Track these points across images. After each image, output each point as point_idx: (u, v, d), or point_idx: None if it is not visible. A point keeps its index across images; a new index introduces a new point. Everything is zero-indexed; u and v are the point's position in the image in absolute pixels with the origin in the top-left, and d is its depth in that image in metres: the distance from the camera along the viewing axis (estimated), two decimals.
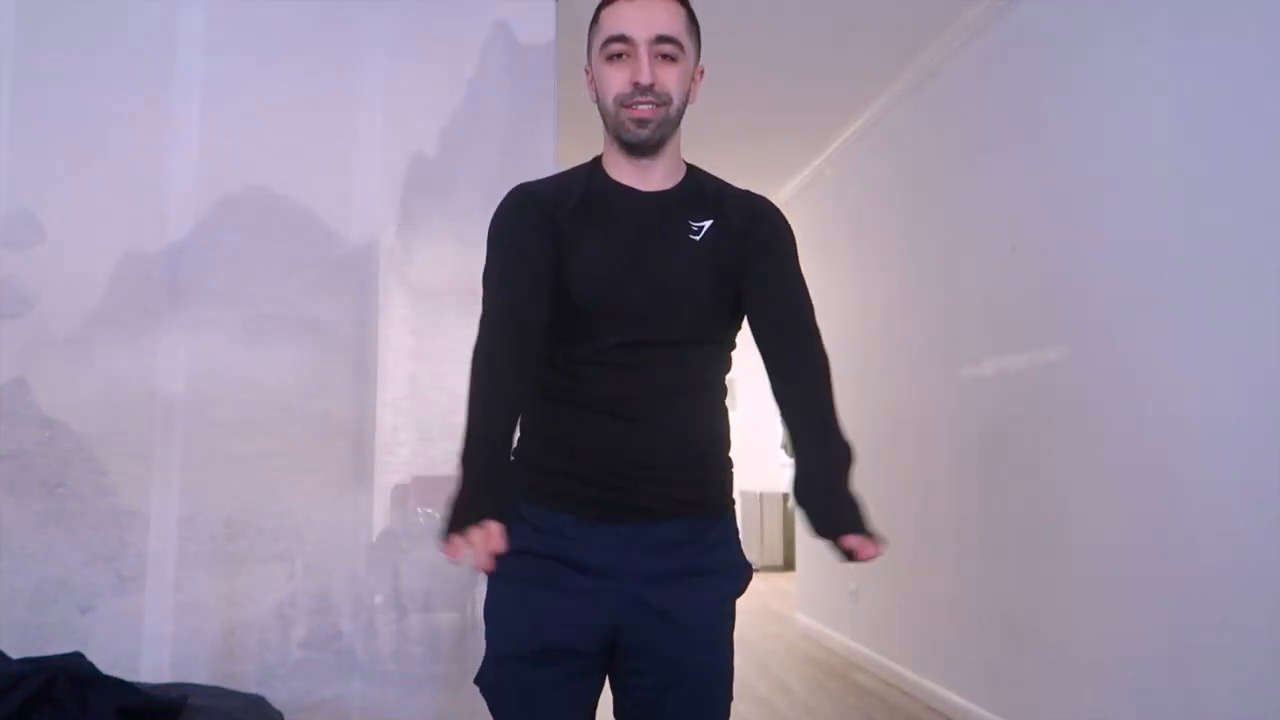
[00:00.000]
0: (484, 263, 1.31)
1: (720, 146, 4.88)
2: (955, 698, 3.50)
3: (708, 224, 1.33)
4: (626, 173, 1.34)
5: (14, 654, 1.81)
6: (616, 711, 1.33)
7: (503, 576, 1.30)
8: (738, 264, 1.31)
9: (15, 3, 2.36)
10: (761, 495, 7.90)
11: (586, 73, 1.35)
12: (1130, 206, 2.63)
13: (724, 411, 1.42)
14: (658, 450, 1.30)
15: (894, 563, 4.12)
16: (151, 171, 2.38)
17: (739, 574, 1.36)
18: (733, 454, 1.45)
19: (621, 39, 1.28)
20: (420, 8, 2.55)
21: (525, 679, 1.29)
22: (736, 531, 1.40)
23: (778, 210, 1.41)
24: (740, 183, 1.46)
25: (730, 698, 1.36)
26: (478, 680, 1.33)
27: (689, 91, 1.33)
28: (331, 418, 2.39)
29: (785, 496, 7.78)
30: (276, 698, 2.16)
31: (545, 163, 2.49)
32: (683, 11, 1.32)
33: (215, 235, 2.39)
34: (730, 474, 1.42)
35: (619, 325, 1.27)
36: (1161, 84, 2.53)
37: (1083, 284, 2.83)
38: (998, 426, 3.31)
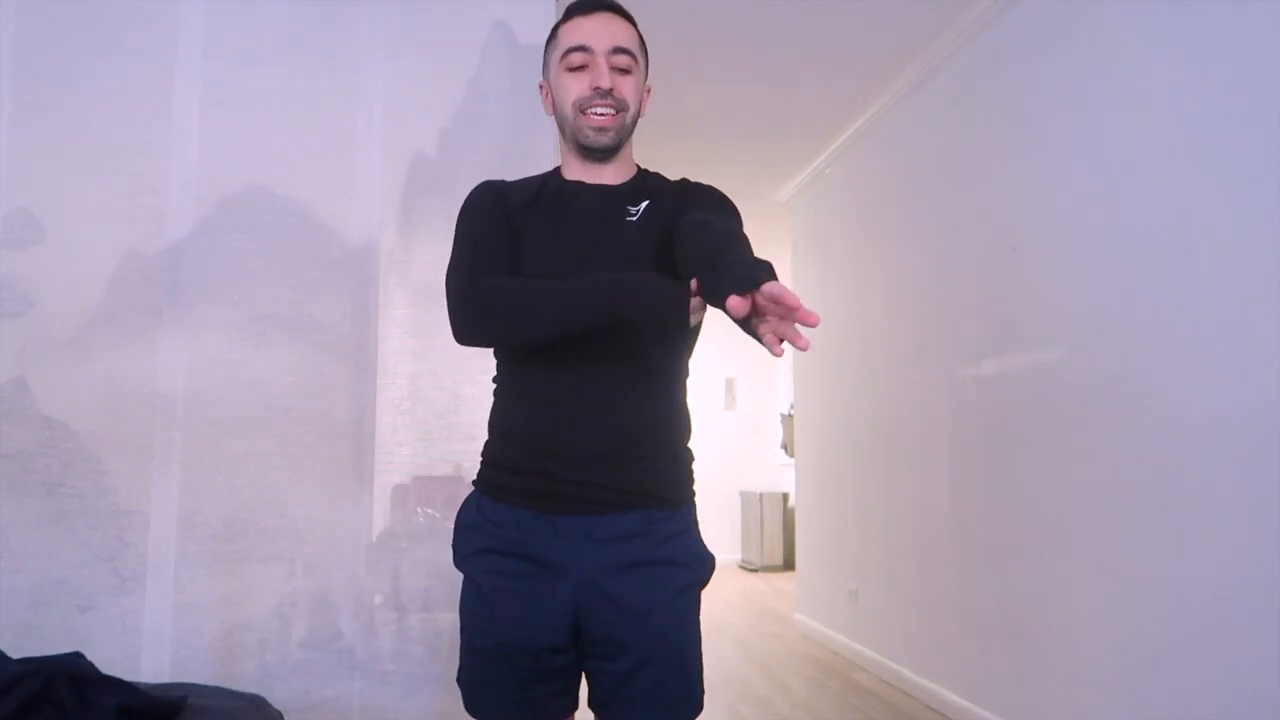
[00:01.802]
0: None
1: (721, 147, 4.88)
2: (955, 698, 3.50)
3: (644, 204, 1.40)
4: (578, 173, 1.44)
5: (14, 654, 1.81)
6: (590, 700, 1.37)
7: (470, 576, 1.37)
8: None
9: (15, 3, 2.36)
10: (761, 495, 7.90)
11: (541, 88, 1.45)
12: (1130, 206, 2.63)
13: (681, 400, 1.43)
14: (607, 439, 1.32)
15: (894, 563, 4.13)
16: (151, 171, 2.38)
17: (699, 564, 1.38)
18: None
19: (582, 49, 1.37)
20: (420, 8, 2.55)
21: (496, 675, 1.33)
22: (696, 523, 1.42)
23: (715, 189, 1.46)
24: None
25: (700, 687, 1.37)
26: (458, 679, 1.39)
27: (641, 103, 1.42)
28: (331, 418, 2.38)
29: (785, 496, 7.78)
30: (276, 698, 2.16)
31: (545, 163, 2.47)
32: (635, 31, 1.43)
33: (215, 235, 2.39)
34: (688, 465, 1.42)
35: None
36: (1162, 84, 2.53)
37: (1083, 284, 2.83)
38: (998, 426, 3.31)
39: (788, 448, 7.71)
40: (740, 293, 1.04)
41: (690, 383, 1.47)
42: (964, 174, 3.59)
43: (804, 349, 1.06)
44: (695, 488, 1.43)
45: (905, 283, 4.12)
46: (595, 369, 1.32)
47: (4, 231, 2.31)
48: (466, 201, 1.43)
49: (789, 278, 5.81)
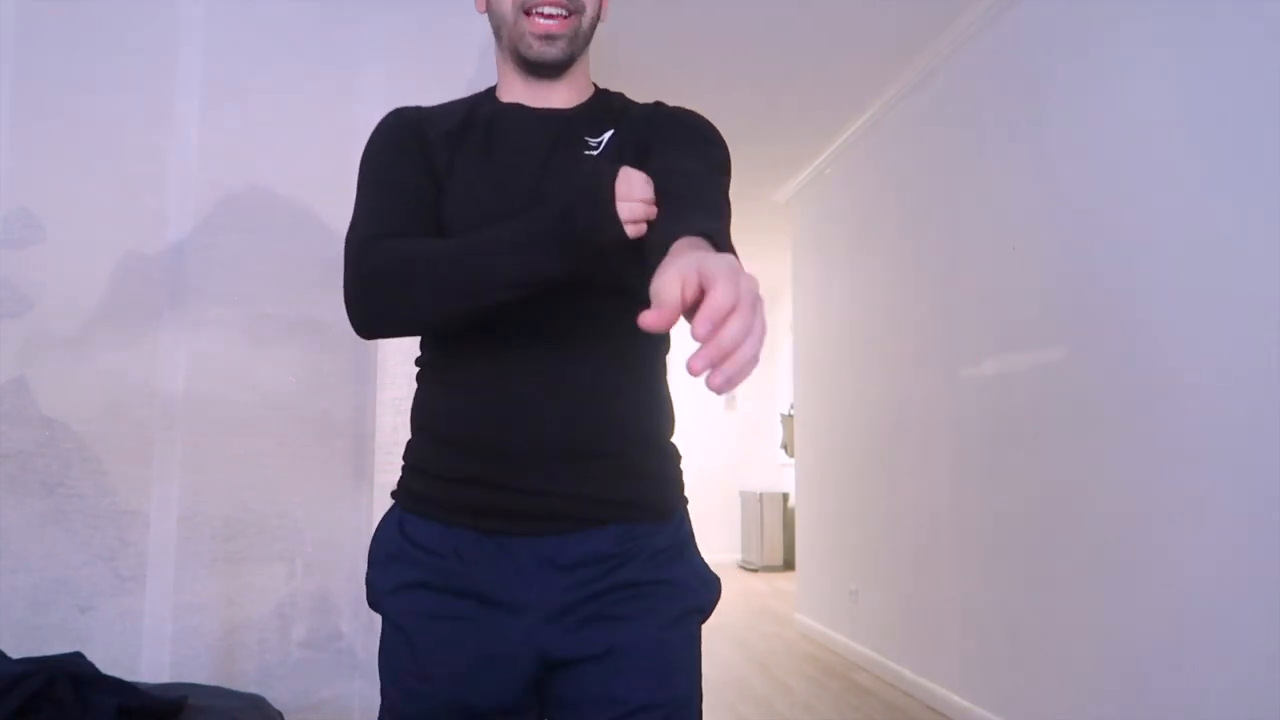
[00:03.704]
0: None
1: None
2: (955, 698, 3.50)
3: (608, 135, 1.08)
4: (519, 94, 1.12)
5: (14, 654, 1.81)
6: None
7: (392, 619, 1.05)
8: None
9: (15, 3, 2.36)
10: (761, 495, 7.90)
11: None
12: (1130, 206, 2.63)
13: (663, 382, 1.13)
14: (573, 434, 1.01)
15: (894, 563, 4.13)
16: (151, 171, 2.38)
17: (700, 586, 1.08)
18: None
19: None
20: (420, 8, 2.55)
21: None
22: (691, 535, 1.11)
23: (699, 116, 1.13)
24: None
25: None
26: None
27: (601, 3, 1.11)
28: (331, 418, 2.38)
29: (785, 496, 7.78)
30: (276, 698, 2.16)
31: None
32: None
33: (215, 235, 2.39)
34: (677, 463, 1.12)
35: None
36: (1161, 83, 2.53)
37: (1083, 284, 2.83)
38: (998, 426, 3.31)
39: (788, 448, 7.71)
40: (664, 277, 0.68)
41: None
42: (964, 174, 3.59)
43: (716, 388, 0.63)
44: (687, 492, 1.13)
45: (905, 283, 4.12)
46: (552, 340, 1.02)
47: (4, 231, 2.31)
48: (371, 137, 1.14)
49: (789, 278, 5.81)
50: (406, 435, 1.05)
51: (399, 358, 2.44)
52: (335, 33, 2.50)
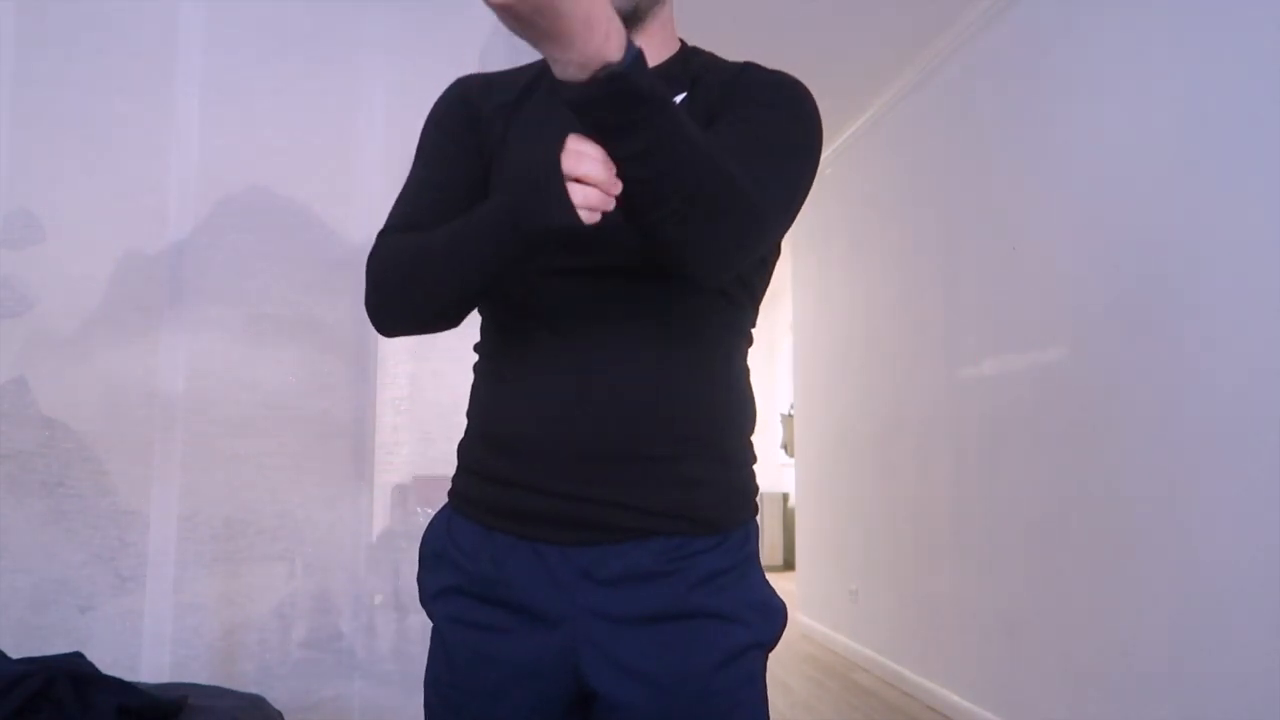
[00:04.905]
0: None
1: None
2: (955, 698, 3.50)
3: (679, 100, 0.95)
4: None
5: (14, 654, 1.81)
6: None
7: (435, 623, 1.03)
8: None
9: (15, 2, 2.36)
10: (761, 495, 7.89)
11: None
12: (1130, 206, 2.63)
13: (739, 375, 1.01)
14: (610, 435, 0.91)
15: (894, 563, 4.13)
16: (151, 171, 2.38)
17: (760, 617, 0.95)
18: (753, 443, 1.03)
19: None
20: (420, 7, 2.55)
21: None
22: (755, 554, 0.99)
23: (784, 78, 0.97)
24: None
25: None
26: None
27: None
28: (331, 418, 2.39)
29: (785, 496, 7.78)
30: (276, 698, 2.15)
31: None
32: None
33: (215, 235, 2.39)
34: (747, 471, 1.01)
35: (555, 251, 0.88)
36: (1161, 83, 2.53)
37: (1082, 284, 2.83)
38: (998, 426, 3.31)
39: (788, 448, 7.71)
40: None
41: None
42: (964, 174, 3.59)
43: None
44: (758, 501, 1.02)
45: (905, 283, 4.12)
46: (596, 329, 0.93)
47: (4, 231, 2.31)
48: (432, 108, 1.07)
49: (789, 278, 5.82)
50: (406, 435, 1.02)
51: (399, 358, 2.44)
52: (335, 32, 2.50)
